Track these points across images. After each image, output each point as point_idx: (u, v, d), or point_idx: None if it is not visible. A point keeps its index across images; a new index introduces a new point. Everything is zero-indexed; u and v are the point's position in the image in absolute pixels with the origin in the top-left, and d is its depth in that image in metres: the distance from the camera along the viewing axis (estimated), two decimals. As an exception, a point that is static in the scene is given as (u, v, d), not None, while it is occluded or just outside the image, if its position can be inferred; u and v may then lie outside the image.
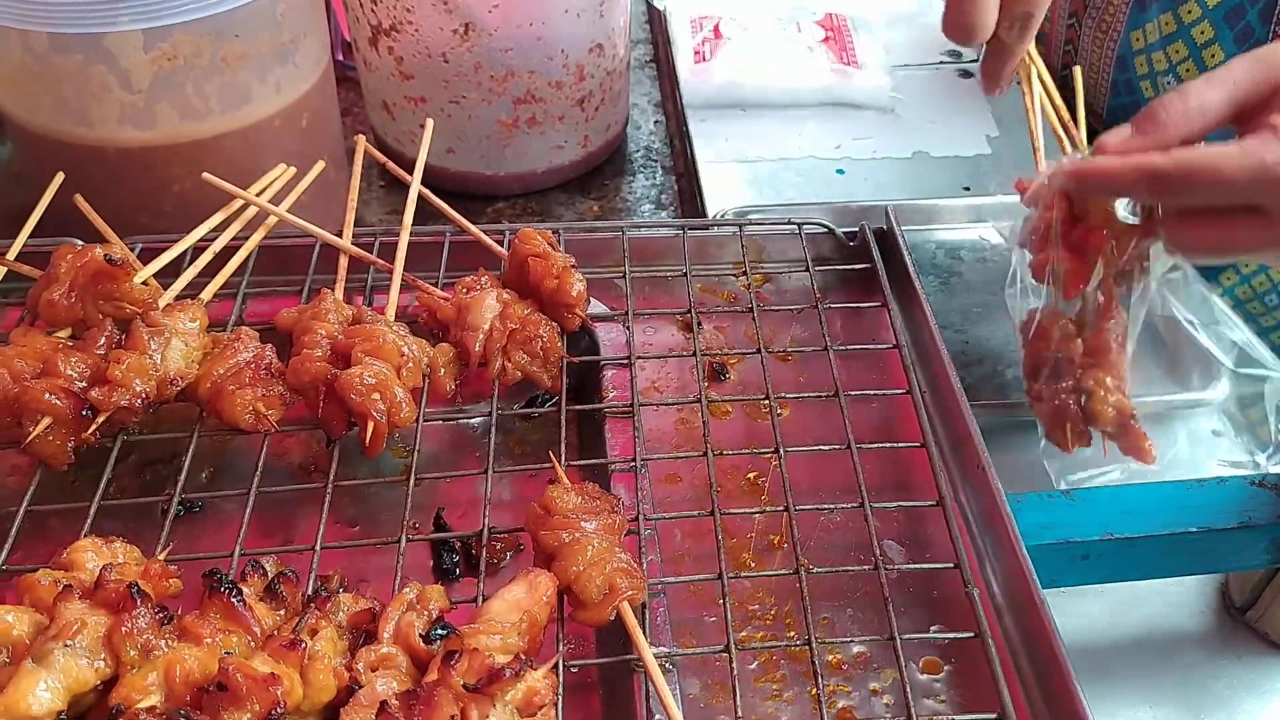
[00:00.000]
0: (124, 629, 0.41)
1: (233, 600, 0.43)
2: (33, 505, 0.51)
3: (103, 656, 0.41)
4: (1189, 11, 0.81)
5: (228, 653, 0.42)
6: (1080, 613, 0.60)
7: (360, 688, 0.41)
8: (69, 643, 0.40)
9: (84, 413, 0.52)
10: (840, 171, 0.93)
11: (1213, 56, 0.80)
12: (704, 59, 0.98)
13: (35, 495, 0.51)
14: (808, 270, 0.63)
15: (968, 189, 0.91)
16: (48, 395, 0.51)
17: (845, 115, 0.99)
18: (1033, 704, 0.46)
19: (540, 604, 0.44)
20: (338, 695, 0.42)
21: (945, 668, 0.50)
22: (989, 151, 0.96)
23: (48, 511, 0.52)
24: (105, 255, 0.55)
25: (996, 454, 0.57)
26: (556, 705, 0.43)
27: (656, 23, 1.10)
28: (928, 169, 0.94)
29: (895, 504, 0.53)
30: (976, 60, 1.07)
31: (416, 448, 0.54)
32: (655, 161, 0.92)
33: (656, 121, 0.97)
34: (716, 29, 1.00)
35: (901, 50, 1.07)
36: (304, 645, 0.41)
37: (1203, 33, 0.80)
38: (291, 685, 0.40)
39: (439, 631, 0.41)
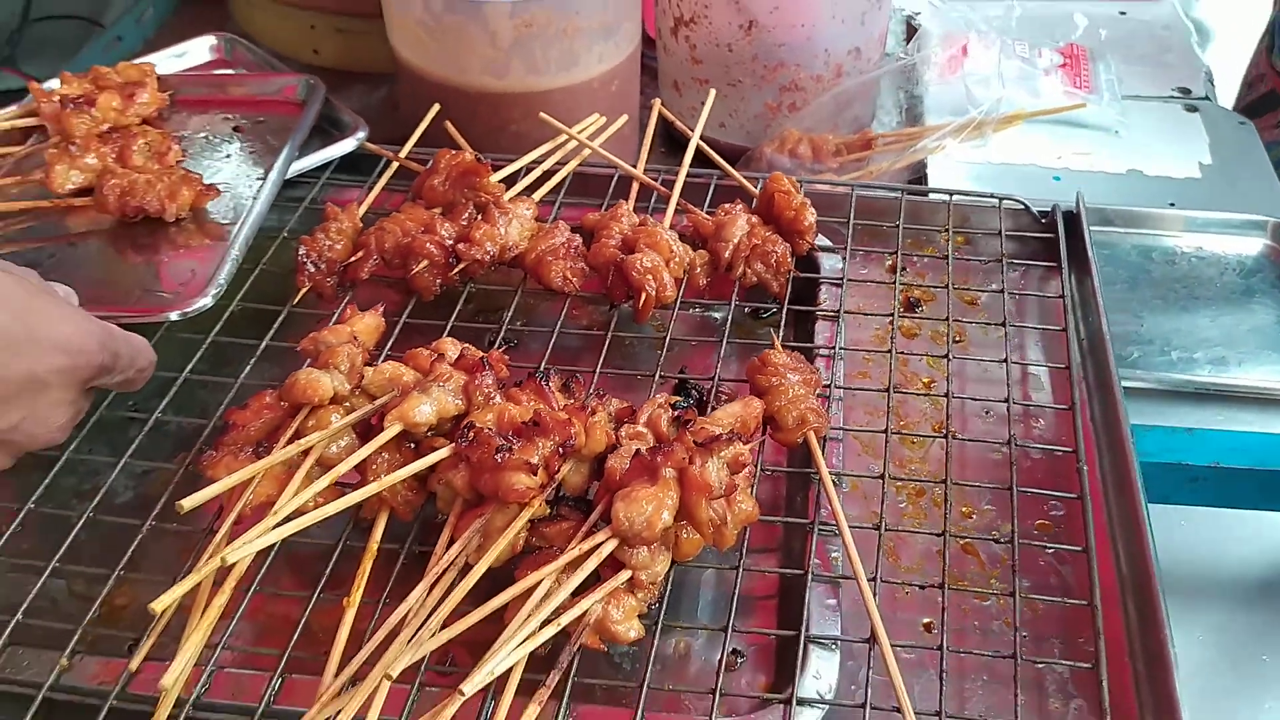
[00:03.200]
0: (476, 382, 0.61)
1: (542, 383, 0.63)
2: (408, 319, 0.73)
3: (460, 398, 0.61)
4: None
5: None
6: (1171, 543, 0.73)
7: (621, 445, 0.60)
8: (441, 385, 0.61)
9: (450, 260, 0.73)
10: (1057, 179, 1.06)
11: None
12: (950, 73, 1.13)
13: (410, 313, 0.74)
14: (999, 234, 0.78)
15: (1172, 204, 1.02)
16: (428, 245, 0.73)
17: (1071, 132, 1.11)
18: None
19: (751, 415, 0.62)
20: (605, 450, 0.60)
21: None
22: (1199, 176, 1.06)
23: (416, 325, 0.74)
24: (475, 156, 0.77)
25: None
26: (752, 489, 0.60)
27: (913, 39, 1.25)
28: (1139, 185, 1.05)
29: (1038, 492, 0.67)
30: (1205, 98, 1.17)
31: (673, 320, 0.73)
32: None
33: (898, 121, 1.13)
34: (965, 48, 1.15)
35: (1136, 83, 1.18)
36: (589, 410, 0.60)
37: None
38: (579, 430, 0.59)
39: (682, 402, 0.59)
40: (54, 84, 0.87)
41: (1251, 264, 0.95)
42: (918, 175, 1.01)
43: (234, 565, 0.54)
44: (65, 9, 1.55)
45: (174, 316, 0.69)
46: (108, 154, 0.82)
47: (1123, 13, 1.30)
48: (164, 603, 0.50)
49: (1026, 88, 1.10)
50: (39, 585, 0.59)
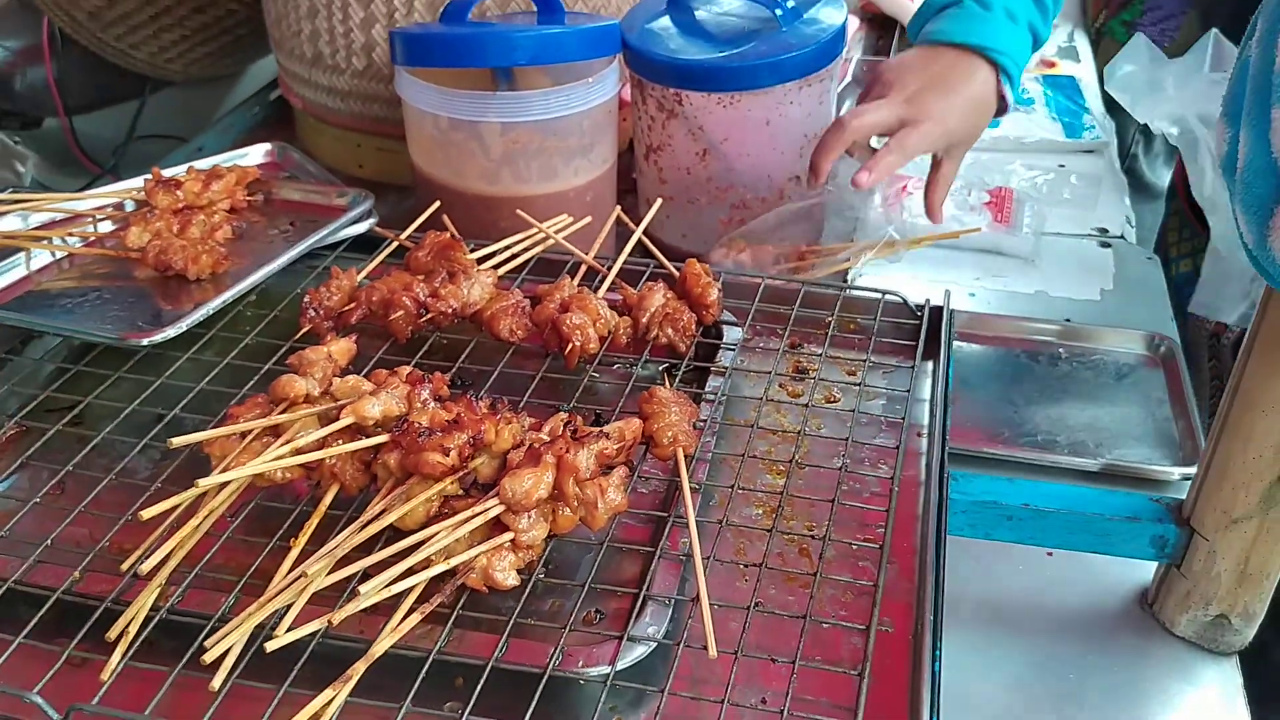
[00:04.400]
0: (416, 392, 0.79)
1: (471, 398, 0.80)
2: (384, 356, 0.92)
3: (403, 403, 0.79)
4: None
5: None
6: (1002, 582, 0.86)
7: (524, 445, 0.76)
8: (389, 391, 0.79)
9: (420, 311, 0.92)
10: (972, 294, 1.23)
11: None
12: (890, 203, 1.31)
13: (385, 352, 0.92)
14: (875, 319, 0.95)
15: (1068, 320, 1.17)
16: (404, 299, 0.92)
17: (993, 260, 1.28)
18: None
19: (629, 429, 0.78)
20: (512, 448, 0.77)
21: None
22: (1098, 299, 1.22)
23: (389, 361, 0.91)
24: (450, 234, 0.97)
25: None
26: (625, 489, 0.76)
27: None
28: (1042, 303, 1.21)
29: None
30: (1120, 237, 1.33)
31: (594, 369, 0.90)
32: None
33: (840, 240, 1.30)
34: (905, 188, 1.33)
35: (1062, 224, 1.35)
36: (499, 417, 0.77)
37: None
38: (490, 429, 0.76)
39: (566, 409, 0.76)
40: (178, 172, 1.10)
41: (1126, 370, 1.09)
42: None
43: (212, 502, 0.71)
44: (165, 129, 1.83)
45: (144, 343, 0.88)
46: (172, 223, 1.03)
47: (1061, 165, 1.48)
48: (152, 512, 0.67)
49: (953, 219, 1.28)
50: (65, 523, 0.76)
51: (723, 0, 1.21)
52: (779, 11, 1.14)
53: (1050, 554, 0.90)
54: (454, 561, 0.69)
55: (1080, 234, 1.34)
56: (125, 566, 0.70)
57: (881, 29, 1.88)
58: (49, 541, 0.75)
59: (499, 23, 1.21)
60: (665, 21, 1.19)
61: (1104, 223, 1.36)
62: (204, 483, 0.68)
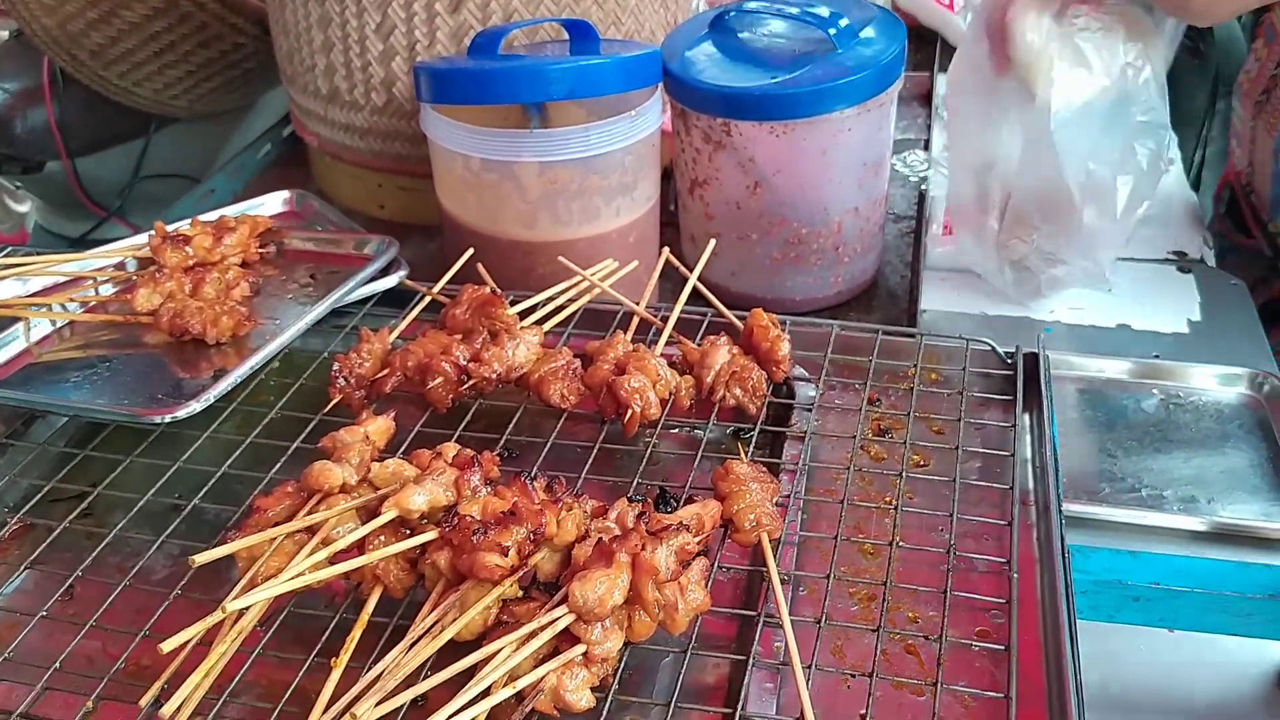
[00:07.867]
0: (465, 477, 0.70)
1: (526, 481, 0.71)
2: (422, 429, 0.83)
3: (451, 490, 0.70)
4: None
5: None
6: (1122, 663, 0.77)
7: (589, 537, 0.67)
8: (435, 478, 0.70)
9: (461, 377, 0.83)
10: (1048, 330, 1.13)
11: None
12: (949, 230, 1.22)
13: (424, 424, 0.83)
14: (964, 370, 0.86)
15: (1157, 356, 1.08)
16: (443, 364, 0.83)
17: (1065, 289, 1.18)
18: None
19: (707, 514, 0.69)
20: (576, 541, 0.68)
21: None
22: (1186, 332, 1.13)
23: (429, 434, 0.83)
24: (491, 289, 0.88)
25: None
26: (706, 583, 0.67)
27: (923, 206, 1.35)
28: (1127, 339, 1.12)
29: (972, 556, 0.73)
30: (1200, 260, 1.24)
31: (656, 436, 0.80)
32: (895, 305, 1.16)
33: (903, 276, 1.21)
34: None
35: (1135, 247, 1.26)
36: (561, 504, 0.68)
37: None
38: (551, 521, 0.67)
39: (638, 498, 0.67)
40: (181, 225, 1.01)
41: (1229, 412, 1.00)
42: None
43: (239, 621, 0.62)
44: (172, 168, 1.75)
45: (163, 420, 0.80)
46: (184, 283, 0.94)
47: (1127, 184, 1.38)
48: (172, 643, 0.58)
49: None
50: (76, 641, 0.67)
51: (770, 22, 1.12)
52: (833, 32, 1.05)
53: (1173, 631, 0.80)
54: (520, 684, 0.60)
55: (1156, 259, 1.24)
56: (144, 702, 0.61)
57: (918, 41, 1.79)
58: (58, 664, 0.66)
59: (529, 54, 1.12)
60: (709, 47, 1.10)
61: (1181, 245, 1.26)
62: (231, 606, 0.59)
